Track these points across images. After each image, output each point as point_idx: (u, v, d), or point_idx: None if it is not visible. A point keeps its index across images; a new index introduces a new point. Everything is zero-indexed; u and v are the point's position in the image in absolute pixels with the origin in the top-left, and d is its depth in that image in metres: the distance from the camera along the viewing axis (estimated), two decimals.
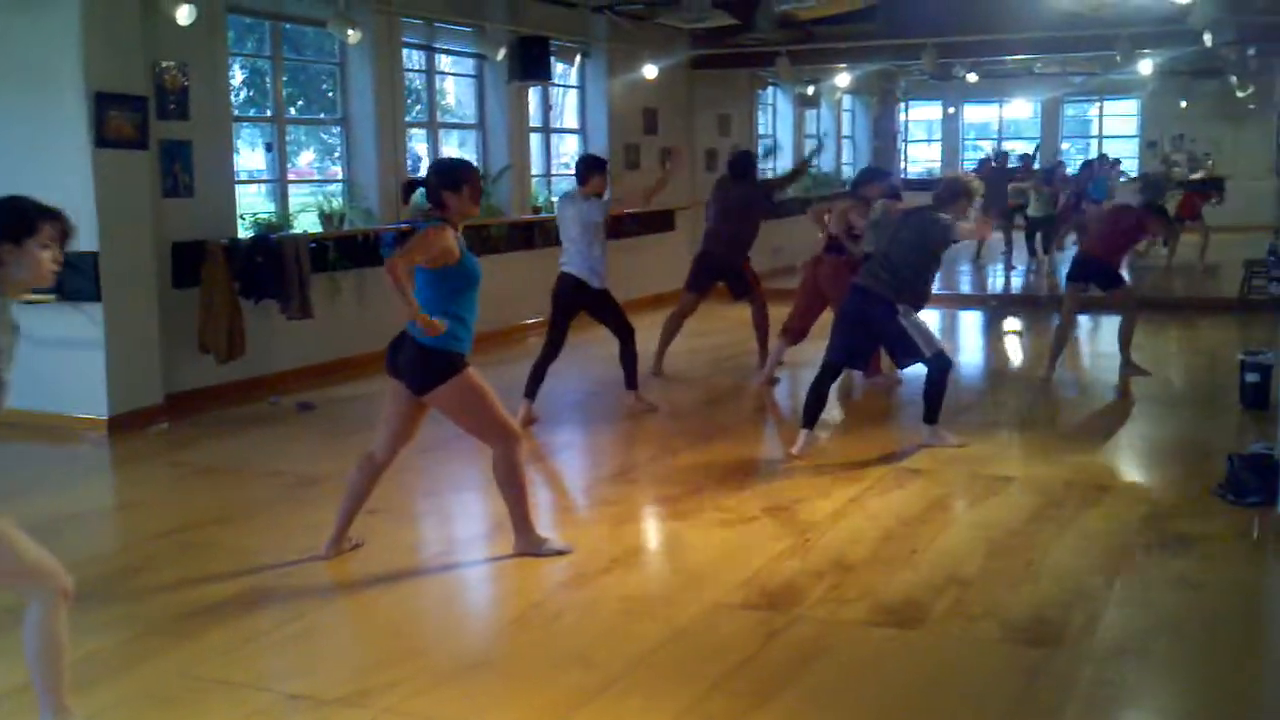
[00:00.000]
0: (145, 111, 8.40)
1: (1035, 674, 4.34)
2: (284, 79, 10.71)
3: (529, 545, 5.60)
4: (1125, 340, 9.90)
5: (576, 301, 8.48)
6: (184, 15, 8.54)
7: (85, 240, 8.04)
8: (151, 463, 7.75)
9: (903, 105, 25.28)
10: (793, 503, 6.39)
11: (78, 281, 8.06)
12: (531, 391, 8.38)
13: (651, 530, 6.32)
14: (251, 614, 5.04)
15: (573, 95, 14.45)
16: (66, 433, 8.12)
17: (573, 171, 9.12)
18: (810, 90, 18.61)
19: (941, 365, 7.44)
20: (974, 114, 28.05)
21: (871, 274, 7.39)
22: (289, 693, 4.24)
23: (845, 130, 22.06)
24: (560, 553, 5.62)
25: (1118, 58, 15.07)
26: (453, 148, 13.44)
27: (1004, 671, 4.38)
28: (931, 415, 7.53)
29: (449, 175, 5.46)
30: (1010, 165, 19.17)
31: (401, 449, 5.65)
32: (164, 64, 8.68)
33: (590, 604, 5.09)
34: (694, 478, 6.94)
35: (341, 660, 4.60)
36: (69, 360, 8.21)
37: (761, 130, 18.49)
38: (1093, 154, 23.41)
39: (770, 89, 18.63)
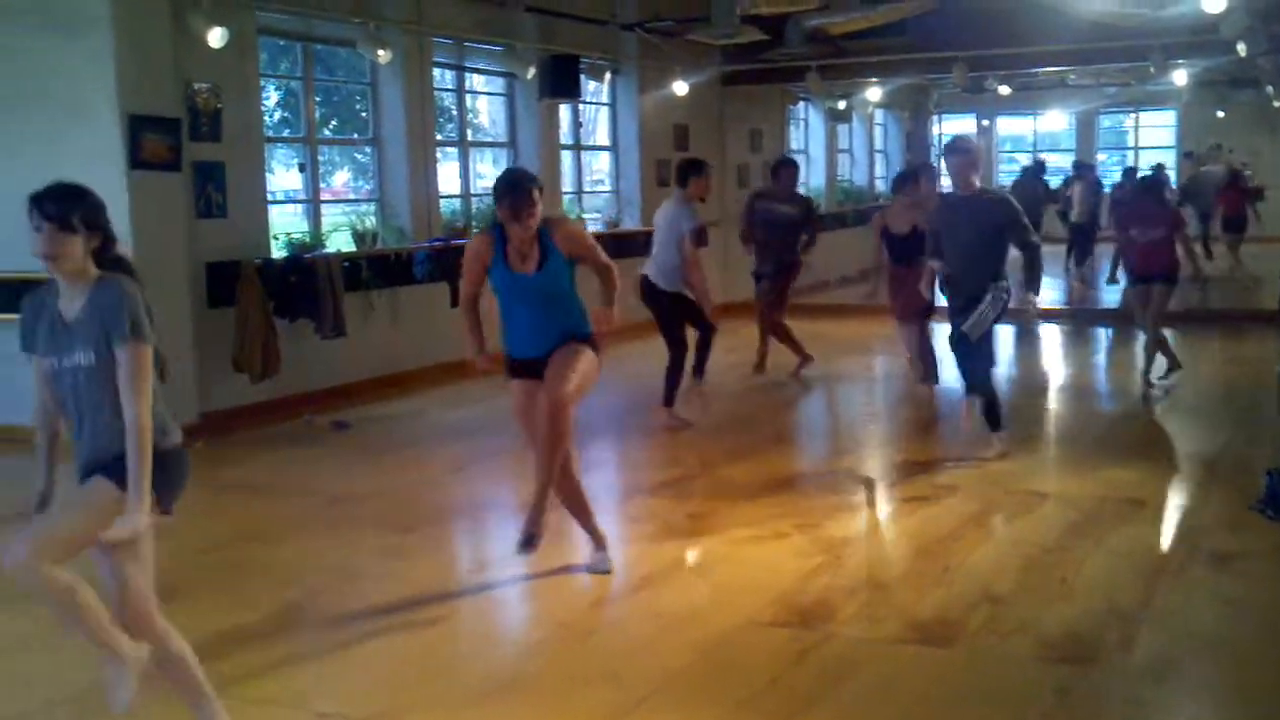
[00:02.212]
0: (179, 133, 8.49)
1: (1068, 692, 4.29)
2: (316, 99, 10.79)
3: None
4: (1153, 348, 9.79)
5: (654, 303, 8.65)
6: (216, 38, 8.63)
7: None
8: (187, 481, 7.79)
9: (936, 118, 25.19)
10: (824, 519, 6.36)
11: None
12: (670, 399, 8.76)
13: (683, 547, 6.29)
14: (285, 632, 5.07)
15: (604, 112, 14.49)
16: None
17: (675, 177, 9.17)
18: (842, 105, 18.58)
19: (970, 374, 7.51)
20: (1008, 126, 27.94)
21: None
22: (320, 711, 4.25)
23: (878, 145, 22.00)
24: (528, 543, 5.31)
25: (1151, 68, 14.98)
26: (486, 165, 13.51)
27: (1036, 689, 4.33)
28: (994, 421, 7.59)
29: (494, 192, 5.40)
30: (1047, 178, 18.98)
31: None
32: (197, 86, 8.77)
33: (621, 622, 5.09)
34: (726, 494, 6.93)
35: (373, 679, 4.60)
36: None
37: (793, 145, 18.47)
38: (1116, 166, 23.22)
39: (801, 104, 18.61)
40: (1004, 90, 19.82)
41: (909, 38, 14.75)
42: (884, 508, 6.54)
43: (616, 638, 4.93)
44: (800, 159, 18.82)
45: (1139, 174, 18.50)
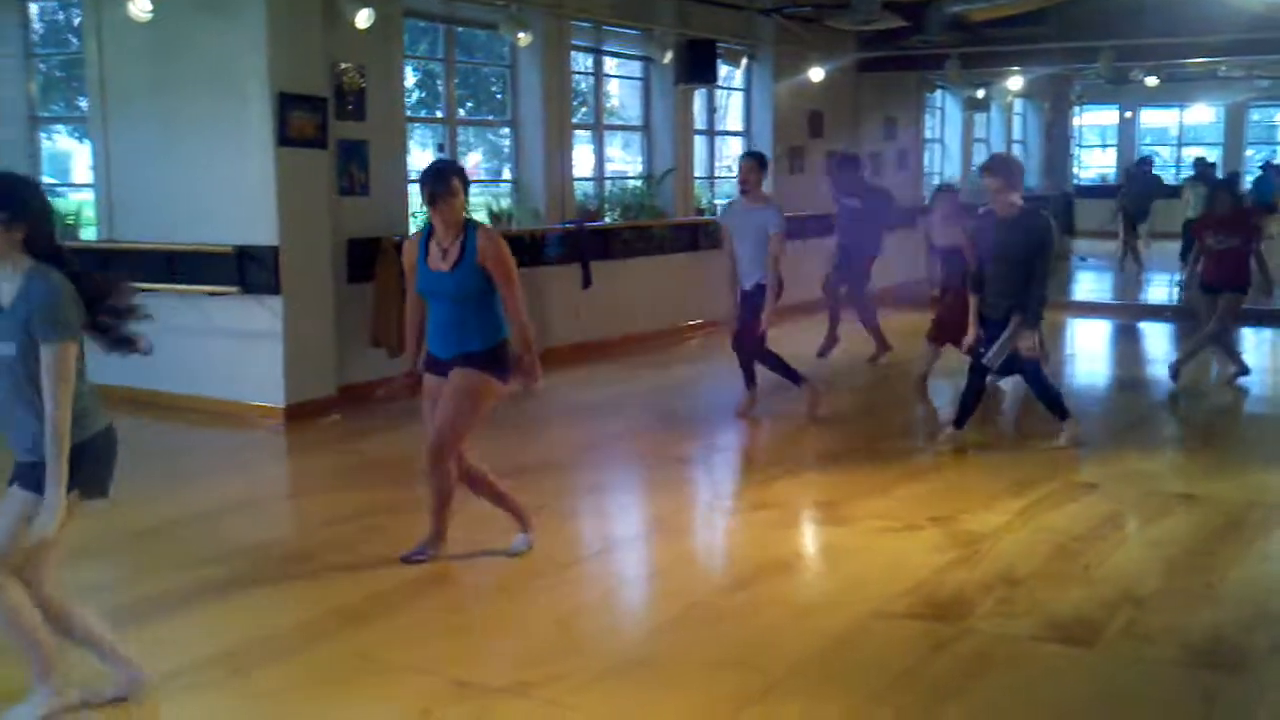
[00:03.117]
0: (325, 112, 8.67)
1: (1214, 699, 4.17)
2: (455, 81, 10.92)
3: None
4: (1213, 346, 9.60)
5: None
6: (363, 19, 8.78)
7: (266, 235, 8.39)
8: (324, 452, 7.99)
9: (1077, 109, 24.55)
10: (958, 513, 6.25)
11: (259, 275, 8.38)
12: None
13: (813, 535, 6.26)
14: (419, 601, 5.17)
15: (737, 97, 14.43)
16: (245, 420, 8.43)
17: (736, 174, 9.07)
18: (980, 94, 18.23)
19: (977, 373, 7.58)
20: (1152, 118, 27.13)
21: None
22: (456, 679, 4.31)
23: (1016, 135, 21.55)
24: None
25: None
26: (616, 149, 13.56)
27: (1180, 695, 4.21)
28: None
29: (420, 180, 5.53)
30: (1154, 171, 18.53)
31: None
32: (343, 66, 8.94)
33: (751, 607, 5.07)
34: (855, 484, 6.85)
35: (506, 650, 4.67)
36: (250, 350, 8.53)
37: (928, 134, 18.19)
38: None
39: (939, 92, 18.31)
40: (1150, 81, 19.22)
41: (1052, 25, 14.38)
42: (1020, 504, 6.40)
43: (746, 622, 4.91)
44: (936, 148, 18.58)
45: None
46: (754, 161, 8.67)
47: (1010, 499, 6.51)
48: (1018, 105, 21.28)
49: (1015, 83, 18.39)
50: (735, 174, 8.64)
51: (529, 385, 5.46)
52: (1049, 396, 7.71)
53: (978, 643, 4.62)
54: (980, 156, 20.01)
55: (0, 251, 3.66)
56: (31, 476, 3.72)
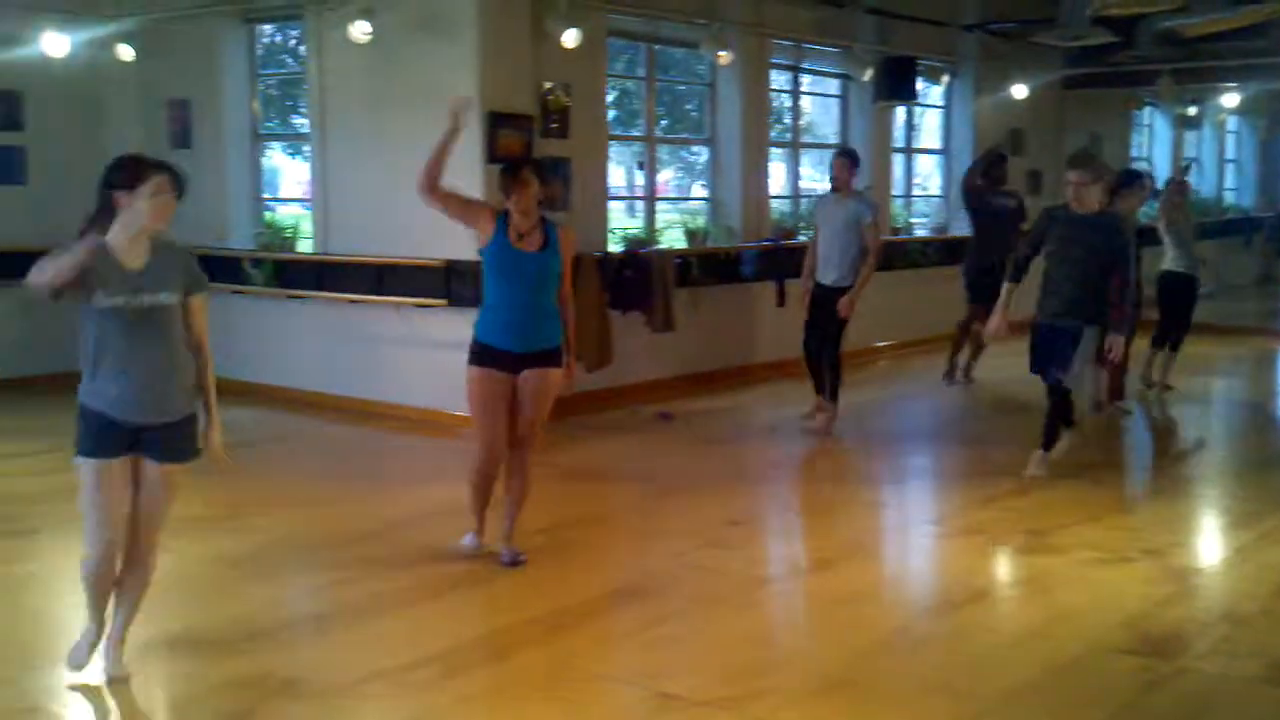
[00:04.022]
0: (531, 130, 8.87)
1: None
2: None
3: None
4: None
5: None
6: (570, 39, 8.95)
7: (472, 250, 8.57)
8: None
9: None
10: (1172, 546, 6.02)
11: (464, 289, 8.62)
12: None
13: (1021, 563, 6.08)
14: (620, 612, 5.23)
15: (933, 114, 14.20)
16: (448, 428, 8.65)
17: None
18: (1192, 111, 17.54)
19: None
20: None
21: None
22: (661, 691, 4.34)
23: (1229, 153, 20.65)
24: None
25: None
26: (807, 167, 13.48)
27: None
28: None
29: None
30: None
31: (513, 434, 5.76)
32: (548, 85, 9.13)
33: (958, 633, 4.97)
34: (1063, 511, 6.64)
35: (707, 665, 4.66)
36: (453, 361, 8.69)
37: (1134, 152, 17.57)
38: None
39: (1147, 109, 17.69)
40: None
41: (1272, 39, 13.73)
42: (1239, 539, 6.12)
43: (953, 649, 4.82)
44: (1143, 167, 17.92)
45: None
46: (846, 159, 8.64)
47: (1228, 534, 6.24)
48: (1231, 123, 20.38)
49: (1231, 99, 17.62)
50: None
51: (565, 383, 5.74)
52: (1063, 416, 7.30)
53: (1198, 683, 4.43)
54: (1192, 177, 19.25)
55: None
56: (172, 446, 4.14)
